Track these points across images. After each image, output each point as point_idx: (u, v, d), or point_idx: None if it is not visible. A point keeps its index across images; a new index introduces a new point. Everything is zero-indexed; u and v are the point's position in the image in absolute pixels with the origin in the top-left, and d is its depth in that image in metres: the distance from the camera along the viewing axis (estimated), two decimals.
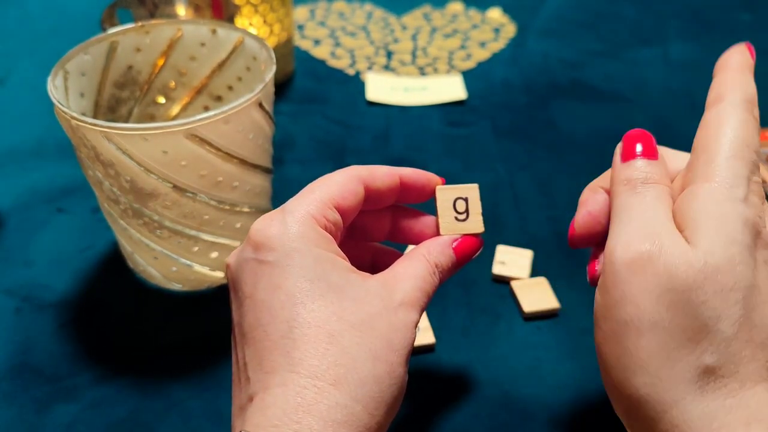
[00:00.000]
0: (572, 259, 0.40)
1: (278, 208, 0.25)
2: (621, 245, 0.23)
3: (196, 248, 0.35)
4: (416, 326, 0.25)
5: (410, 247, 0.33)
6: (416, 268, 0.26)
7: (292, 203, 0.25)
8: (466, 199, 0.28)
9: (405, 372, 0.24)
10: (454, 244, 0.27)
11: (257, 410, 0.22)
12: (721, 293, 0.22)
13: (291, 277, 0.23)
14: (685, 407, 0.22)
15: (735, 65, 0.28)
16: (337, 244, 0.26)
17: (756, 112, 0.26)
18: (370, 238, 0.31)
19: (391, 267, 0.26)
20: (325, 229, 0.25)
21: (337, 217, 0.26)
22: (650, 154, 0.27)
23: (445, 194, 0.28)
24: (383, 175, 0.28)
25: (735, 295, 0.22)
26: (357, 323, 0.23)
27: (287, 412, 0.21)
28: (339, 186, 0.26)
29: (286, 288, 0.23)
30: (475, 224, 0.28)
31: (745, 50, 0.29)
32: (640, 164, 0.26)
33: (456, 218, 0.28)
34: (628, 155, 0.27)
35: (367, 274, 0.25)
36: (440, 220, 0.28)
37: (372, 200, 0.28)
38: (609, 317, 0.23)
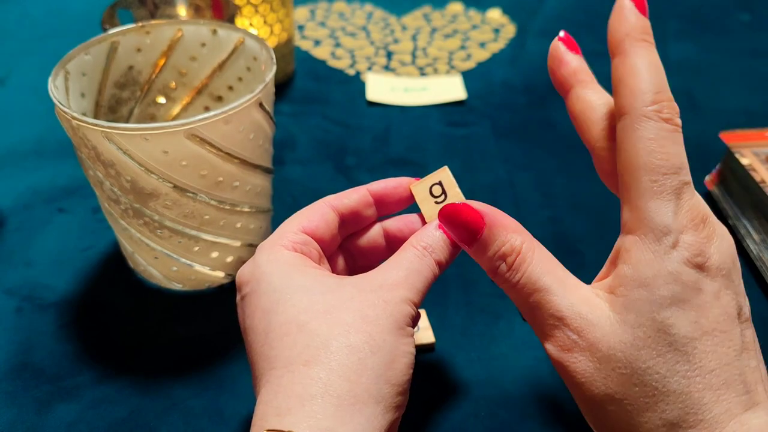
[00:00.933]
0: (572, 259, 0.40)
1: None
2: (546, 340, 0.24)
3: (196, 248, 0.35)
4: (409, 303, 0.24)
5: None
6: (401, 255, 0.26)
7: (261, 243, 0.27)
8: (440, 183, 0.28)
9: (395, 343, 0.23)
10: (438, 223, 0.27)
11: (254, 418, 0.23)
12: (659, 357, 0.22)
13: (262, 296, 0.25)
14: None
15: (631, 45, 0.27)
16: (320, 262, 0.28)
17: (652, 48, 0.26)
18: (370, 261, 0.31)
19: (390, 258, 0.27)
20: (295, 250, 0.27)
21: (306, 238, 0.27)
22: None
23: (420, 187, 0.29)
24: (350, 193, 0.29)
25: (674, 356, 0.22)
26: (327, 309, 0.24)
27: (268, 403, 0.22)
28: (305, 213, 0.28)
29: (261, 305, 0.25)
30: (455, 198, 0.28)
31: (633, 10, 0.28)
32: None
33: (435, 202, 0.28)
34: None
35: (350, 277, 0.26)
36: (422, 210, 0.29)
37: (350, 221, 0.29)
38: (574, 393, 0.24)
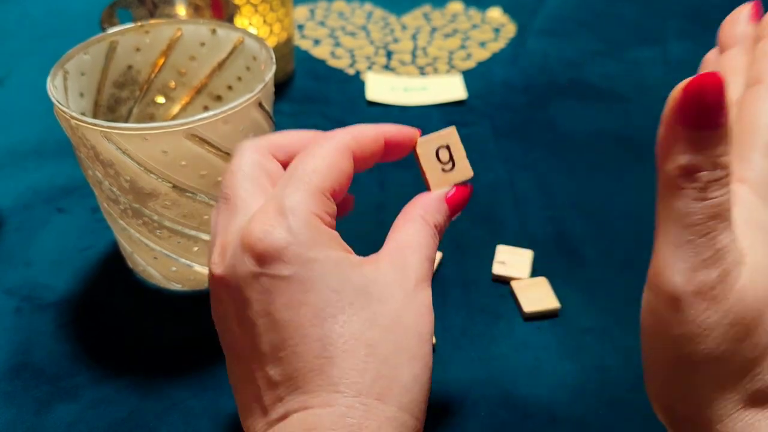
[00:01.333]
0: (572, 259, 0.40)
1: (272, 204, 0.23)
2: (680, 273, 0.19)
3: (195, 248, 0.35)
4: (431, 304, 0.24)
5: None
6: (419, 234, 0.25)
7: (289, 198, 0.22)
8: (447, 147, 0.27)
9: (432, 358, 0.23)
10: (449, 195, 0.27)
11: (298, 430, 0.21)
12: None
13: (314, 291, 0.21)
14: (731, 425, 0.20)
15: None
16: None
17: None
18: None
19: (391, 236, 0.25)
20: (328, 225, 0.23)
21: (334, 207, 0.24)
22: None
23: (426, 147, 0.27)
24: (371, 141, 0.26)
25: None
26: (389, 325, 0.22)
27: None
28: (332, 169, 0.24)
29: (313, 303, 0.21)
30: (464, 170, 0.27)
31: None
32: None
33: (443, 169, 0.27)
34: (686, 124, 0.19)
35: (374, 258, 0.24)
36: (428, 176, 0.27)
37: (357, 167, 0.26)
38: (660, 346, 0.21)
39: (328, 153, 0.24)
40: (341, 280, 0.22)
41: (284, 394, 0.21)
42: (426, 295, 0.24)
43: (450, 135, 0.27)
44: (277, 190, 0.24)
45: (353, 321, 0.21)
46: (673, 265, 0.20)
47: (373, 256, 0.24)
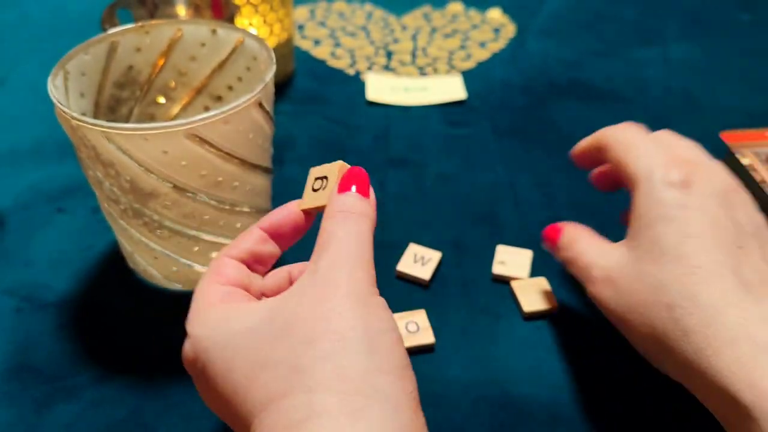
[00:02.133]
0: None
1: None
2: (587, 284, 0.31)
3: (196, 248, 0.35)
4: (366, 282, 0.23)
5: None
6: (328, 235, 0.25)
7: (188, 317, 0.26)
8: (324, 177, 0.28)
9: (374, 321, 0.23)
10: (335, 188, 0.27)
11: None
12: (655, 263, 0.28)
13: (216, 362, 0.23)
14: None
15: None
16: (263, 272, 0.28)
17: None
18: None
19: (317, 255, 0.25)
20: (223, 298, 0.25)
21: (231, 289, 0.26)
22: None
23: (313, 172, 0.29)
24: (242, 239, 0.28)
25: (666, 259, 0.27)
26: (275, 334, 0.23)
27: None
28: (213, 273, 0.27)
29: (216, 371, 0.23)
30: (324, 198, 0.27)
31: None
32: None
33: (314, 190, 0.28)
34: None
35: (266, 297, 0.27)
36: (305, 204, 0.28)
37: (257, 263, 0.28)
38: (611, 320, 0.30)
39: (211, 271, 0.27)
40: (227, 335, 0.23)
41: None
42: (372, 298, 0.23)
43: (333, 168, 0.28)
44: None
45: (247, 356, 0.22)
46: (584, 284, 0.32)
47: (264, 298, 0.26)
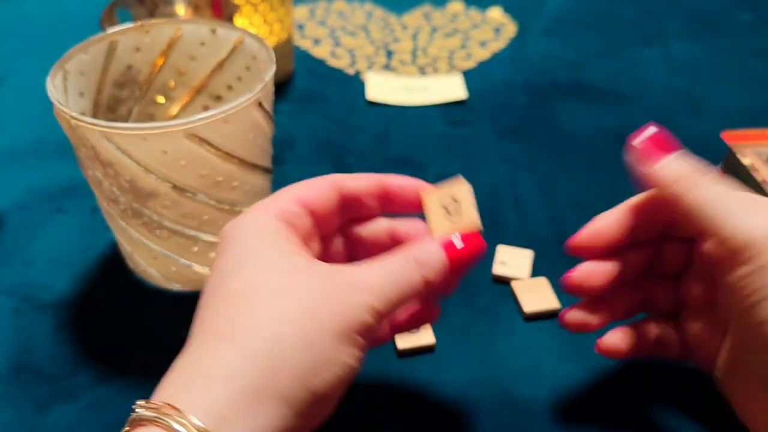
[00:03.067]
0: (572, 259, 0.40)
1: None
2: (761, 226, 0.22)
3: (195, 248, 0.35)
4: (370, 312, 0.22)
5: None
6: (387, 260, 0.24)
7: (253, 204, 0.26)
8: (454, 198, 0.26)
9: (333, 349, 0.21)
10: (446, 242, 0.25)
11: (164, 378, 0.22)
12: None
13: (228, 256, 0.23)
14: None
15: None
16: (310, 239, 0.26)
17: None
18: (370, 253, 0.28)
19: (367, 263, 0.25)
20: (283, 219, 0.25)
21: (299, 210, 0.25)
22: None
23: (431, 197, 0.26)
24: (358, 178, 0.27)
25: None
26: (276, 289, 0.22)
27: (180, 370, 0.21)
28: (304, 185, 0.26)
29: (221, 267, 0.23)
30: (470, 221, 0.25)
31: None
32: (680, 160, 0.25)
33: (446, 218, 0.25)
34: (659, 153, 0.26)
35: (324, 264, 0.24)
36: (429, 222, 0.26)
37: (352, 206, 0.27)
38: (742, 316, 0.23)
39: (306, 181, 0.27)
40: (253, 246, 0.23)
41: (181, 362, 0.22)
42: (357, 297, 0.22)
43: (457, 187, 0.26)
44: None
45: (241, 277, 0.22)
46: (744, 222, 0.24)
47: (316, 260, 0.24)
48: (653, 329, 0.29)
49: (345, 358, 0.22)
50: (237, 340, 0.21)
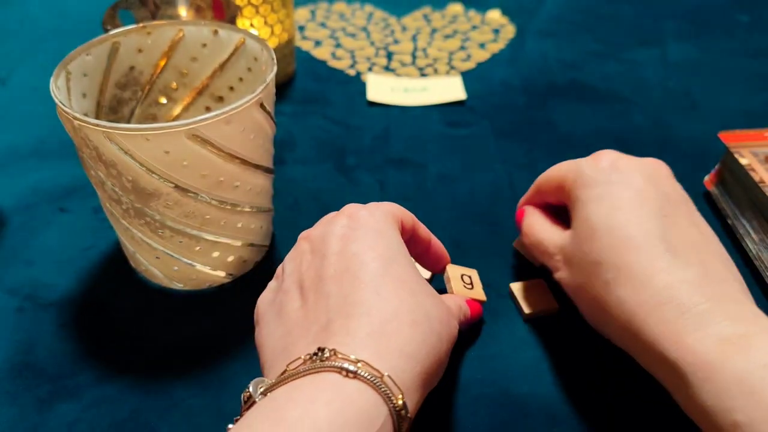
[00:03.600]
0: None
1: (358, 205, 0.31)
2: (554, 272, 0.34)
3: (197, 248, 0.35)
4: (456, 327, 0.30)
5: None
6: (452, 297, 0.34)
7: (370, 206, 0.31)
8: (470, 276, 0.36)
9: (443, 342, 0.28)
10: (468, 301, 0.35)
11: (342, 329, 0.25)
12: (592, 241, 0.30)
13: (382, 243, 0.28)
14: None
15: None
16: None
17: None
18: None
19: None
20: (401, 231, 0.31)
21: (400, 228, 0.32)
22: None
23: (455, 271, 0.36)
24: (422, 229, 0.34)
25: (599, 235, 0.30)
26: (428, 290, 0.28)
27: (371, 334, 0.24)
28: (400, 209, 0.32)
29: (378, 250, 0.28)
30: (479, 294, 0.36)
31: None
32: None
33: (464, 287, 0.35)
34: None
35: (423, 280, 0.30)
36: (452, 286, 0.35)
37: (412, 243, 0.33)
38: (571, 297, 0.33)
39: (400, 213, 0.32)
40: (399, 247, 0.29)
41: (333, 305, 0.26)
42: (452, 317, 0.30)
43: (473, 271, 0.37)
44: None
45: (403, 271, 0.27)
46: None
47: None
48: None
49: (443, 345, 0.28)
50: (414, 325, 0.26)
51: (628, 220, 0.29)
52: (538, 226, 0.35)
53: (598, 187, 0.31)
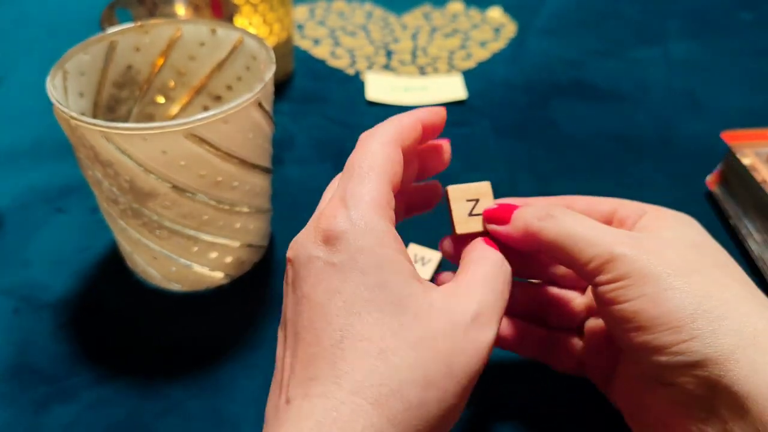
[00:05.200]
0: None
1: (339, 196, 0.23)
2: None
3: (195, 248, 0.35)
4: (491, 346, 0.22)
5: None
6: (487, 271, 0.24)
7: (354, 189, 0.23)
8: (477, 200, 0.28)
9: (461, 401, 0.22)
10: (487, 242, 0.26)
11: (293, 417, 0.21)
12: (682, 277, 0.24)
13: (351, 283, 0.22)
14: None
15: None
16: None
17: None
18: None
19: (455, 278, 0.24)
20: (389, 219, 0.23)
21: (393, 200, 0.24)
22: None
23: (457, 193, 0.28)
24: (411, 129, 0.26)
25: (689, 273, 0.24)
26: (414, 341, 0.21)
27: (321, 426, 0.20)
28: (387, 163, 0.24)
29: (345, 294, 0.22)
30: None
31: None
32: None
33: (469, 216, 0.28)
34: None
35: (430, 284, 0.23)
36: (454, 217, 0.27)
37: (405, 157, 0.26)
38: (620, 326, 0.24)
39: (380, 148, 0.25)
40: (379, 281, 0.22)
41: (294, 376, 0.22)
42: (481, 334, 0.22)
43: (484, 188, 0.28)
44: (341, 183, 0.24)
45: (376, 324, 0.21)
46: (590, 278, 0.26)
47: (427, 282, 0.23)
48: (546, 333, 0.32)
49: (461, 406, 0.22)
50: (387, 408, 0.20)
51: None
52: (575, 216, 0.26)
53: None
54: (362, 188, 0.23)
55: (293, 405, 0.21)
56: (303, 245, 0.23)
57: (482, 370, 0.22)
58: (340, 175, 0.26)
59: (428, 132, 0.27)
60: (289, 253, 0.24)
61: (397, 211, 0.28)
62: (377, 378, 0.20)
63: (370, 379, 0.20)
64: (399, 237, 0.23)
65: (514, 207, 0.27)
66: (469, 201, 0.27)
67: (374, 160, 0.24)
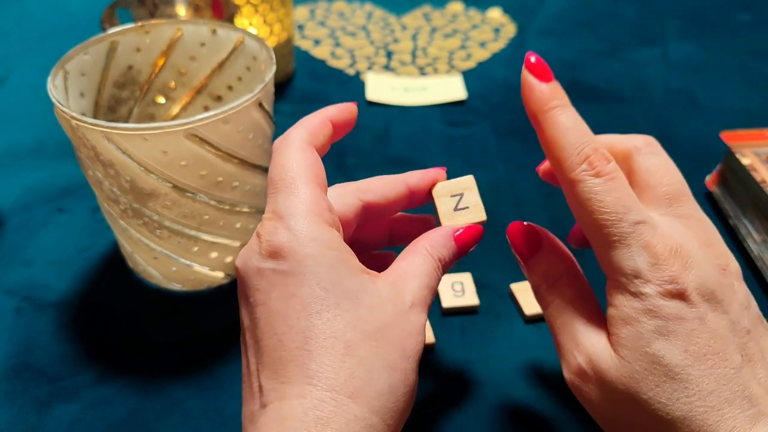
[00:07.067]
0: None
1: (272, 210, 0.24)
2: (566, 365, 0.26)
3: (195, 248, 0.35)
4: (425, 327, 0.25)
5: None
6: (421, 264, 0.26)
7: (286, 202, 0.24)
8: (462, 193, 0.29)
9: (416, 377, 0.24)
10: (457, 233, 0.27)
11: (273, 420, 0.21)
12: (658, 387, 0.23)
13: (305, 286, 0.23)
14: None
15: (543, 118, 0.31)
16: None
17: None
18: (366, 248, 0.31)
19: (394, 264, 0.26)
20: (328, 221, 0.24)
21: (327, 199, 0.25)
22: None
23: (442, 190, 0.29)
24: (319, 125, 0.27)
25: (671, 384, 0.23)
26: (372, 332, 0.23)
27: (306, 424, 0.21)
28: (313, 166, 0.25)
29: (301, 297, 0.22)
30: (477, 213, 0.28)
31: (536, 84, 0.31)
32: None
33: (455, 210, 0.28)
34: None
35: (375, 273, 0.25)
36: (440, 214, 0.28)
37: (377, 211, 0.28)
38: (590, 413, 0.26)
39: (297, 155, 0.25)
40: (332, 280, 0.23)
41: (265, 382, 0.22)
42: (418, 319, 0.24)
43: (467, 182, 0.29)
44: (271, 197, 0.25)
45: (337, 320, 0.22)
46: (561, 358, 0.26)
47: (374, 273, 0.25)
48: None
49: (417, 380, 0.24)
50: (363, 397, 0.22)
51: (707, 371, 0.23)
52: (570, 310, 0.27)
53: (666, 321, 0.23)
54: (295, 199, 0.24)
55: (270, 409, 0.22)
56: (250, 258, 0.24)
57: (423, 347, 0.24)
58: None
59: (339, 128, 0.28)
60: (238, 263, 0.25)
61: (378, 234, 0.31)
62: (348, 372, 0.22)
63: (342, 374, 0.22)
64: (340, 236, 0.24)
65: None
66: (453, 196, 0.28)
67: (297, 170, 0.25)
